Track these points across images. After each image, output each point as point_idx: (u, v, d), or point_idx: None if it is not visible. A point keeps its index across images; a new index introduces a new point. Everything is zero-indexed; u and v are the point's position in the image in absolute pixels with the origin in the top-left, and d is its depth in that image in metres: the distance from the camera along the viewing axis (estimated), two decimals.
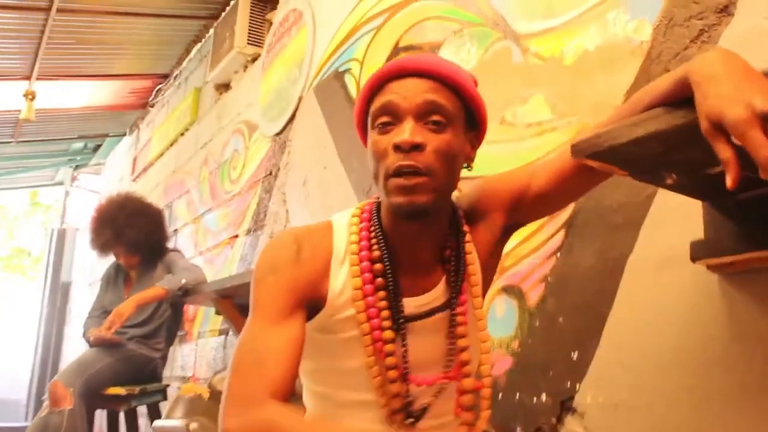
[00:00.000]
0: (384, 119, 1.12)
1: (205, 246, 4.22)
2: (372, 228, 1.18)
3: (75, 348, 7.36)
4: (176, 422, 1.47)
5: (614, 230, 1.62)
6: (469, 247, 1.20)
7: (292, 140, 3.30)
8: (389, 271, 1.15)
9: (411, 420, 1.16)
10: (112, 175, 7.16)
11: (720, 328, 1.38)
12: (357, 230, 1.18)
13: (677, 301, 1.46)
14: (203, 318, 4.05)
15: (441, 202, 1.14)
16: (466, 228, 1.21)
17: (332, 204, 2.81)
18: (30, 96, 4.99)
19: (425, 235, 1.17)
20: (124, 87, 5.65)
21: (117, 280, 3.37)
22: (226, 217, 3.95)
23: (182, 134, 5.04)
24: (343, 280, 1.15)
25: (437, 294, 1.18)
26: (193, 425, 1.39)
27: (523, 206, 1.24)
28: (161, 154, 5.45)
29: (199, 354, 3.99)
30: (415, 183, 1.07)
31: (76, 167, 8.14)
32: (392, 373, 1.13)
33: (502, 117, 2.02)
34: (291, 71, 3.41)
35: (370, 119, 1.16)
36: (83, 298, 7.36)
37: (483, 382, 1.17)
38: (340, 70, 2.96)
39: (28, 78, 4.97)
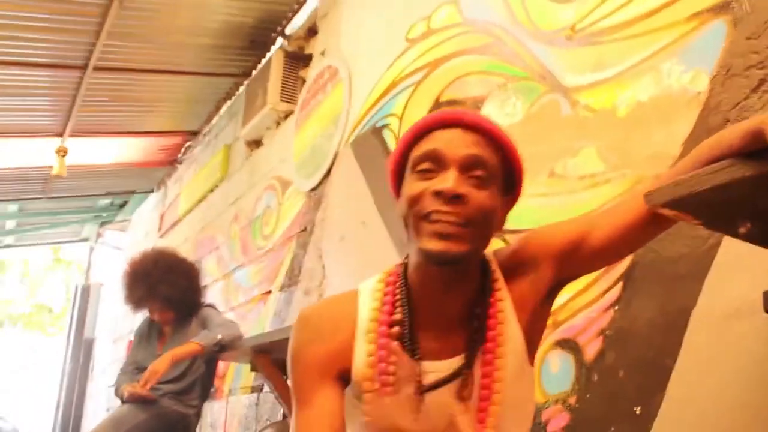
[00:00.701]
0: (426, 166, 1.11)
1: (237, 302, 4.21)
2: (398, 289, 1.16)
3: (97, 403, 7.31)
4: None
5: (676, 282, 1.59)
6: (501, 305, 1.16)
7: (328, 195, 3.31)
8: (407, 334, 1.13)
9: None
10: (138, 231, 7.20)
11: None
12: (380, 296, 1.17)
13: (747, 354, 1.42)
14: (234, 374, 4.01)
15: (474, 257, 1.12)
16: (500, 285, 1.17)
17: (372, 260, 2.79)
18: (62, 153, 5.07)
19: (453, 289, 1.13)
20: (154, 144, 5.73)
21: (150, 336, 3.35)
22: (259, 273, 3.94)
23: (211, 191, 5.08)
24: (365, 349, 1.14)
25: (459, 360, 1.13)
26: None
27: (579, 257, 1.19)
28: (190, 211, 5.48)
29: (229, 412, 3.94)
30: (454, 230, 1.05)
31: (102, 224, 8.22)
32: None
33: (552, 170, 2.02)
34: (326, 127, 3.44)
35: (410, 164, 1.14)
36: (107, 354, 7.34)
37: None
38: (378, 125, 2.99)
39: (61, 135, 5.07)
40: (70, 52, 4.00)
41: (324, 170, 3.38)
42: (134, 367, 3.29)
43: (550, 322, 1.82)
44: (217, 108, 5.21)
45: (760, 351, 1.40)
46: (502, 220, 1.17)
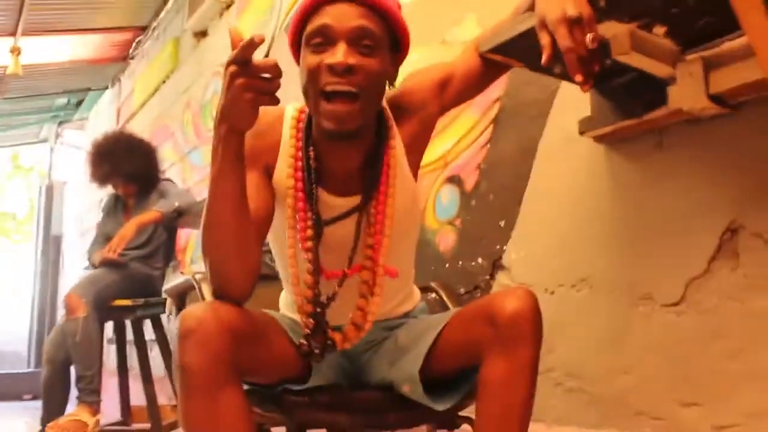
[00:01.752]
0: (318, 40, 1.23)
1: (193, 181, 4.59)
2: (304, 136, 1.33)
3: None
4: (185, 278, 1.83)
5: (529, 121, 2.02)
6: (393, 152, 1.35)
7: None
8: (312, 175, 1.32)
9: (318, 309, 1.31)
10: (97, 128, 7.45)
11: (605, 184, 1.79)
12: (295, 134, 1.34)
13: (576, 169, 1.87)
14: (194, 246, 4.43)
15: (368, 122, 1.30)
16: (393, 133, 1.36)
17: None
18: (16, 52, 5.24)
19: (351, 147, 1.32)
20: (105, 40, 5.92)
21: (116, 209, 3.72)
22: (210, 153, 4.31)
23: (164, 82, 5.35)
24: (282, 173, 1.33)
25: (356, 199, 1.34)
26: (198, 275, 1.71)
27: (451, 90, 1.46)
28: (144, 103, 5.77)
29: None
30: (347, 111, 1.21)
31: (60, 123, 8.40)
32: (308, 266, 1.31)
33: (443, 38, 2.40)
34: (263, 15, 3.75)
35: (304, 39, 1.27)
36: (76, 248, 7.70)
37: (377, 273, 1.33)
38: None
39: (14, 34, 5.23)
40: None
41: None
42: (104, 239, 3.67)
43: (441, 164, 2.26)
44: (164, 2, 5.42)
45: (581, 166, 1.85)
46: (394, 76, 1.35)
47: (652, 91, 1.57)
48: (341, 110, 1.22)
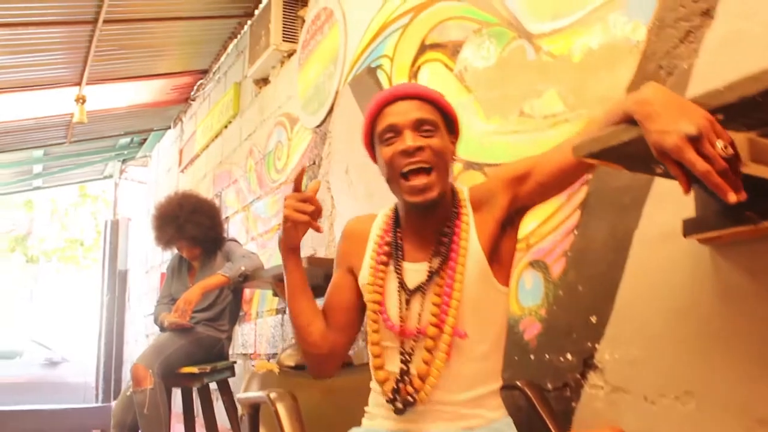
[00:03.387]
0: (388, 135, 1.50)
1: (257, 232, 4.53)
2: (392, 222, 1.60)
3: (137, 331, 7.79)
4: (258, 393, 1.76)
5: (622, 209, 1.86)
6: (464, 225, 1.52)
7: (332, 132, 3.57)
8: (396, 244, 1.56)
9: (401, 365, 1.48)
10: (160, 167, 7.52)
11: (711, 289, 1.62)
12: (383, 225, 1.61)
13: (676, 269, 1.70)
14: (260, 299, 4.37)
15: (443, 194, 1.50)
16: (465, 210, 1.54)
17: (374, 190, 3.08)
18: (81, 100, 5.31)
19: (428, 218, 1.53)
20: (167, 84, 5.96)
21: (181, 270, 3.70)
22: (275, 204, 4.25)
23: (226, 127, 5.34)
24: (368, 258, 1.59)
25: (432, 264, 1.51)
26: (273, 394, 1.67)
27: (526, 189, 1.52)
28: (207, 146, 5.76)
29: (258, 332, 4.33)
30: (425, 182, 1.46)
31: (124, 161, 8.53)
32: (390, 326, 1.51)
33: (521, 109, 2.26)
34: (327, 67, 3.66)
35: (376, 138, 1.54)
36: (141, 284, 7.78)
37: (444, 330, 1.45)
38: (372, 66, 3.21)
39: (79, 84, 5.30)
40: (80, 9, 4.20)
41: (327, 108, 3.62)
42: (169, 299, 3.65)
43: (523, 245, 2.13)
44: (224, 47, 5.41)
45: (684, 265, 1.68)
46: (454, 151, 1.58)
47: None
48: (420, 183, 1.46)
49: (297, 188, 1.49)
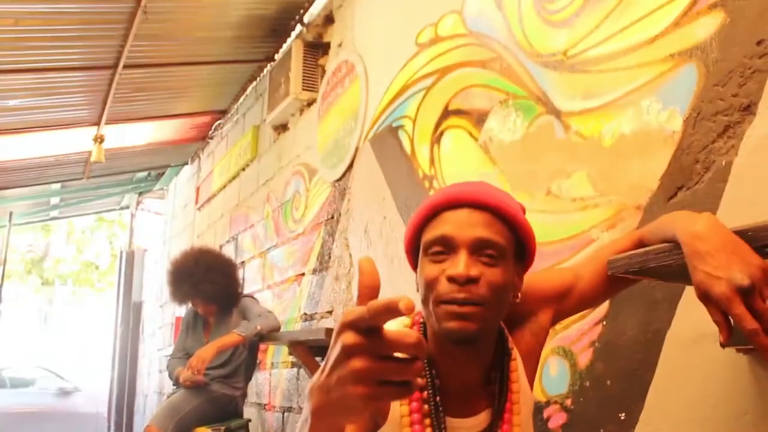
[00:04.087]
0: (438, 249, 1.18)
1: (273, 280, 4.49)
2: None
3: (150, 364, 7.75)
4: None
5: (654, 305, 1.79)
6: (514, 365, 1.26)
7: (351, 188, 3.53)
8: (435, 399, 1.20)
9: None
10: (177, 201, 7.51)
11: (751, 401, 1.55)
12: None
13: (712, 376, 1.63)
14: (275, 350, 4.31)
15: (489, 332, 1.21)
16: (513, 347, 1.28)
17: (393, 254, 3.02)
18: (99, 140, 5.32)
19: (471, 360, 1.22)
20: (185, 123, 5.96)
21: (196, 326, 3.65)
22: (292, 255, 4.20)
23: (243, 169, 5.32)
24: (398, 407, 1.20)
25: (483, 418, 1.24)
26: None
27: (567, 304, 1.39)
28: (223, 187, 5.74)
29: (273, 384, 4.27)
30: (470, 311, 1.13)
31: (140, 193, 8.54)
32: None
33: (548, 188, 2.20)
34: (347, 121, 3.63)
35: (422, 246, 1.21)
36: (155, 318, 7.75)
37: None
38: (394, 125, 3.17)
39: (97, 124, 5.30)
40: (101, 55, 4.21)
41: (347, 163, 3.58)
42: (183, 353, 3.60)
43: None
44: (243, 89, 5.41)
45: (720, 372, 1.61)
46: (519, 286, 1.25)
47: None
48: (464, 310, 1.13)
49: (377, 324, 0.68)
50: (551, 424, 2.07)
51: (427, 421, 1.20)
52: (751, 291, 1.01)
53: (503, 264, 1.18)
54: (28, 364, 12.10)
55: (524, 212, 1.30)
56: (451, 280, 1.14)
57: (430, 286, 1.17)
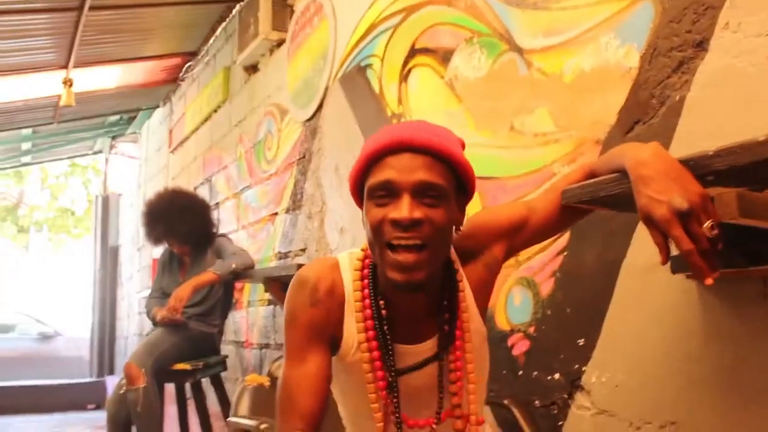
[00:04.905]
0: (381, 193, 1.21)
1: (247, 221, 4.53)
2: (370, 285, 1.30)
3: (129, 306, 7.82)
4: (249, 422, 1.77)
5: (610, 236, 1.87)
6: (463, 296, 1.31)
7: (322, 127, 3.55)
8: (385, 326, 1.28)
9: None
10: (150, 145, 7.47)
11: (698, 324, 1.64)
12: (360, 286, 1.30)
13: (665, 301, 1.72)
14: (251, 288, 4.38)
15: (435, 272, 1.26)
16: (461, 277, 1.33)
17: None
18: (68, 83, 5.23)
19: (420, 298, 1.28)
20: (156, 66, 5.90)
21: (172, 265, 3.70)
22: (266, 195, 4.24)
23: (215, 111, 5.29)
24: (351, 328, 1.29)
25: (431, 345, 1.30)
26: (263, 425, 1.68)
27: (521, 237, 1.40)
28: (196, 129, 5.72)
29: (250, 321, 4.35)
30: (414, 261, 1.18)
31: (113, 137, 8.47)
32: (392, 418, 1.29)
33: (512, 124, 2.25)
34: (316, 61, 3.63)
35: (367, 190, 1.25)
36: (133, 261, 7.78)
37: (470, 421, 1.31)
38: (362, 64, 3.18)
39: (65, 67, 5.22)
40: None
41: (317, 103, 3.59)
42: (160, 293, 3.65)
43: (512, 261, 2.13)
44: (213, 30, 5.33)
45: (670, 299, 1.70)
46: (461, 221, 1.30)
47: (758, 242, 1.42)
48: (408, 260, 1.18)
49: None
50: (515, 352, 2.17)
51: (375, 344, 1.28)
52: (689, 215, 1.07)
53: (445, 204, 1.22)
54: (7, 310, 12.13)
55: (463, 147, 1.33)
56: (395, 223, 1.18)
57: (375, 230, 1.22)
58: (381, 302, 1.30)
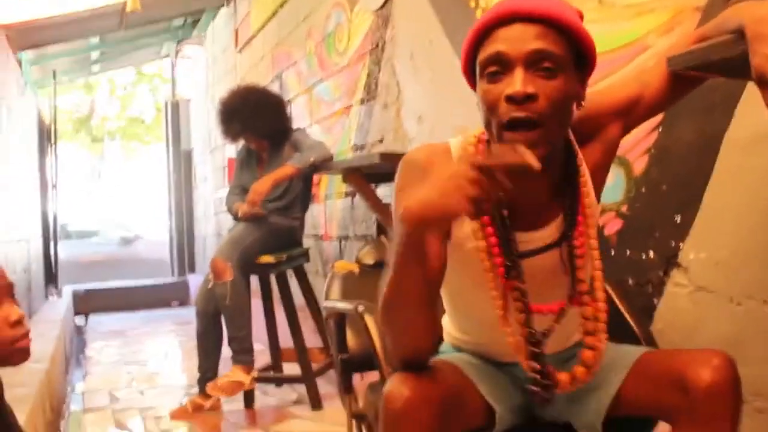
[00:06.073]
0: (493, 68, 1.17)
1: (320, 115, 4.52)
2: None
3: (206, 208, 8.03)
4: (346, 305, 1.81)
5: (712, 109, 1.78)
6: (584, 180, 1.29)
7: (395, 15, 3.46)
8: (501, 212, 1.26)
9: (539, 350, 1.26)
10: (216, 47, 7.46)
11: None
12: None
13: (767, 177, 1.65)
14: (328, 182, 4.42)
15: (554, 151, 1.22)
16: (582, 162, 1.30)
17: (440, 79, 3.01)
18: None
19: (539, 178, 1.16)
20: None
21: (250, 161, 3.75)
22: (338, 87, 4.21)
23: (281, 6, 5.21)
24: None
25: (553, 230, 1.29)
26: (361, 307, 1.71)
27: (636, 114, 1.38)
28: (262, 27, 5.66)
29: (328, 214, 4.41)
30: (531, 138, 1.13)
31: (179, 41, 8.48)
32: (517, 305, 1.27)
33: None
34: None
35: (478, 68, 1.21)
36: (206, 163, 7.92)
37: (599, 308, 1.29)
38: None
39: None
40: None
41: (378, 5, 3.50)
42: (240, 189, 3.72)
43: None
44: None
45: None
46: (582, 95, 1.25)
47: None
48: (525, 138, 1.14)
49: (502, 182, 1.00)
50: (607, 232, 2.13)
51: (491, 230, 1.26)
52: None
53: (562, 75, 1.17)
54: (90, 217, 12.64)
55: (582, 18, 1.27)
56: (509, 99, 1.14)
57: (490, 108, 1.18)
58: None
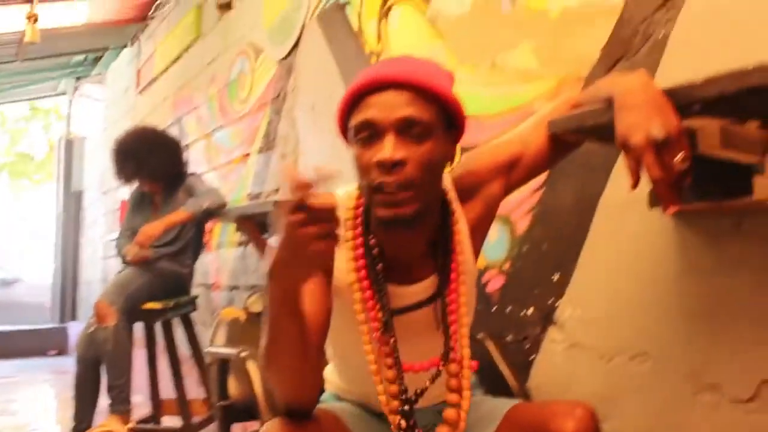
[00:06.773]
0: (365, 134, 1.20)
1: (218, 162, 4.48)
2: (363, 224, 1.30)
3: (93, 252, 7.73)
4: (230, 350, 1.78)
5: (589, 172, 1.88)
6: (458, 239, 1.32)
7: (298, 66, 3.50)
8: (375, 267, 1.27)
9: (407, 408, 1.27)
10: (116, 87, 7.31)
11: (673, 258, 1.67)
12: (352, 225, 1.30)
13: (641, 236, 1.74)
14: (221, 230, 4.35)
15: (427, 209, 1.24)
16: (458, 216, 1.33)
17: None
18: (33, 19, 5.07)
19: (413, 235, 1.27)
20: (124, 3, 5.74)
21: (143, 204, 3.65)
22: (238, 135, 4.19)
23: (186, 50, 5.18)
24: (342, 265, 1.29)
25: (427, 286, 1.32)
26: (244, 353, 1.68)
27: (518, 173, 1.43)
28: (166, 69, 5.61)
29: (220, 263, 4.33)
30: (401, 198, 1.18)
31: (78, 78, 8.26)
32: (388, 361, 1.28)
33: (494, 61, 2.24)
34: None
35: (351, 132, 1.24)
36: (98, 205, 7.66)
37: (464, 365, 1.31)
38: (341, 2, 3.13)
39: (30, 1, 5.05)
40: None
41: (293, 40, 3.54)
42: (131, 232, 3.60)
43: None
44: None
45: (647, 234, 1.73)
46: (452, 154, 1.29)
47: (735, 177, 1.44)
48: (394, 198, 1.18)
49: (306, 202, 0.95)
50: (489, 288, 2.19)
51: (367, 284, 1.28)
52: (664, 145, 1.09)
53: (431, 139, 1.21)
54: None
55: (452, 80, 1.31)
56: (380, 165, 1.18)
57: (362, 172, 1.22)
58: (372, 241, 1.29)
